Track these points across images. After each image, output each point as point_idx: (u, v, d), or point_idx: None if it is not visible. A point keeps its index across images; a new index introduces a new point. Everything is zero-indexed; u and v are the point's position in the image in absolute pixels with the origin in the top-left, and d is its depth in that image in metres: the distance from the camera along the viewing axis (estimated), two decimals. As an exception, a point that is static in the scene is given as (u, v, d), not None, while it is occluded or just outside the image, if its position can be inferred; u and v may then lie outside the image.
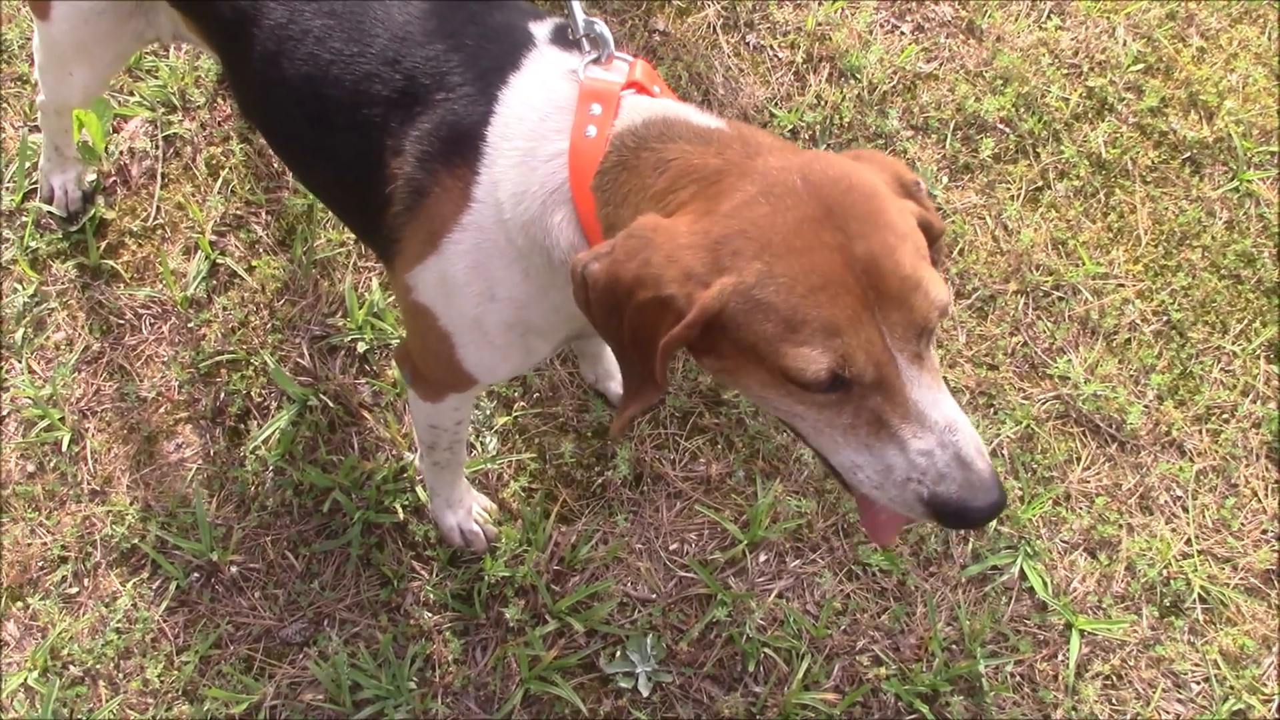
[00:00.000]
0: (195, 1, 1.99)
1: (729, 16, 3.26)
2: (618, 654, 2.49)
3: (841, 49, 3.21)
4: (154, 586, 2.51)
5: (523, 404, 2.71)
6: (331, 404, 2.67)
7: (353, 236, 2.84)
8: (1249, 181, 3.16)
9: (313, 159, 1.99)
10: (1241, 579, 2.69)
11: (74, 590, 2.51)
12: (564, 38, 1.78)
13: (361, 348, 2.72)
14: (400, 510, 2.57)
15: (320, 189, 2.15)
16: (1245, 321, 2.98)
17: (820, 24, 3.25)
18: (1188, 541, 2.71)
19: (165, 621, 2.48)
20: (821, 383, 1.38)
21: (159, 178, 2.92)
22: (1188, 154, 3.20)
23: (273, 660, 2.46)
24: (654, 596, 2.56)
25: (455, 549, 2.54)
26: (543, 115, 1.68)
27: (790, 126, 3.10)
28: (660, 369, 1.45)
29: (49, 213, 2.83)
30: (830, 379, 1.38)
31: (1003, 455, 2.75)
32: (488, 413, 2.69)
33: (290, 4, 1.86)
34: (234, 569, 2.53)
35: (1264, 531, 2.75)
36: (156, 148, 2.96)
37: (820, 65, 3.21)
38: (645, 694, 2.46)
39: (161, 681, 2.42)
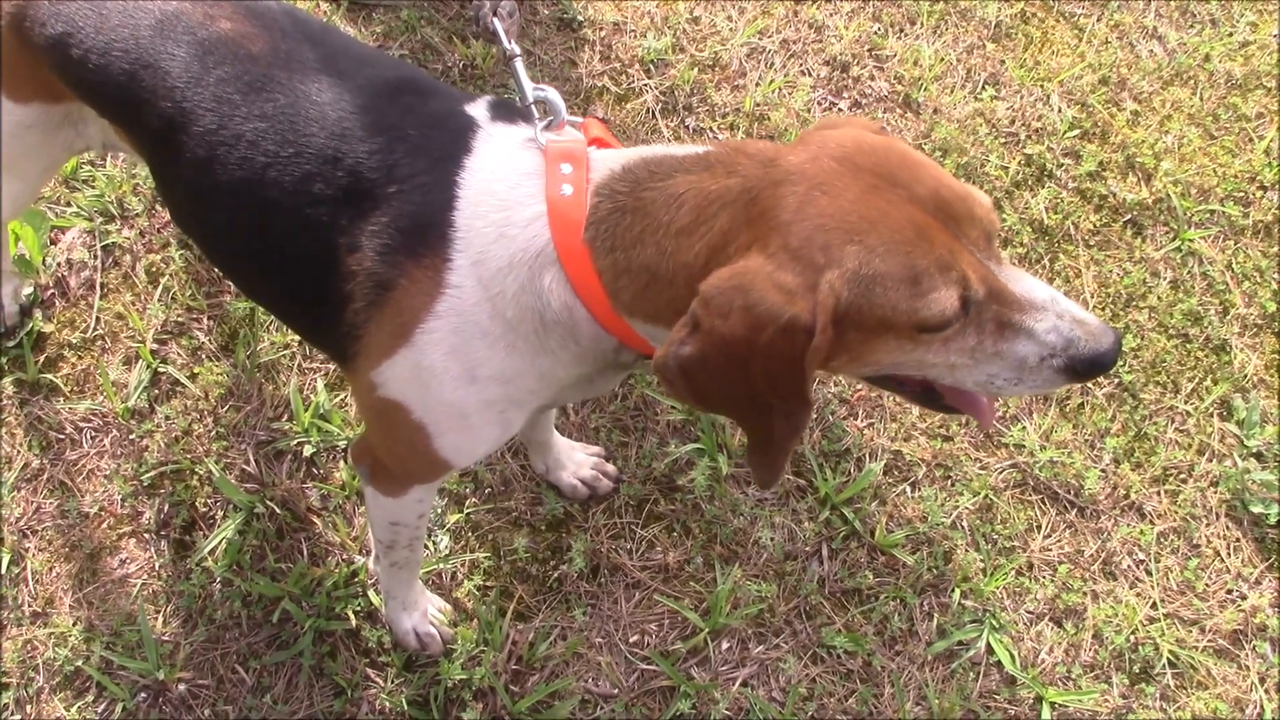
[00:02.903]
0: (121, 110, 1.97)
1: (667, 101, 3.28)
2: (581, 754, 2.43)
3: (780, 128, 3.23)
4: (99, 710, 2.43)
5: (474, 500, 2.67)
6: (279, 510, 2.61)
7: (297, 338, 2.81)
8: (1191, 240, 3.19)
9: (255, 265, 1.95)
10: (1210, 641, 2.66)
11: (16, 718, 2.43)
12: (503, 113, 1.78)
13: (308, 451, 2.68)
14: (352, 616, 2.51)
15: (265, 295, 2.11)
16: (1196, 380, 2.98)
17: (758, 104, 3.27)
18: (1153, 605, 2.68)
19: (112, 746, 2.40)
20: (957, 314, 1.45)
21: (98, 288, 2.89)
22: (1129, 216, 3.23)
23: (224, 780, 2.38)
24: (616, 692, 2.50)
25: (411, 653, 2.48)
26: (511, 185, 1.68)
27: (733, 207, 3.10)
28: (809, 388, 1.49)
29: (-15, 329, 2.79)
30: (962, 307, 1.45)
31: (962, 528, 2.72)
32: (439, 511, 2.64)
33: (219, 109, 1.83)
34: (182, 687, 2.45)
35: (1229, 591, 2.72)
36: (95, 258, 2.92)
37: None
38: (611, 794, 2.39)
39: (108, 809, 2.34)
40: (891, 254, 1.43)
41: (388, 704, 2.44)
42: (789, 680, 2.53)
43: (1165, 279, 3.13)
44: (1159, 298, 3.09)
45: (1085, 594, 2.68)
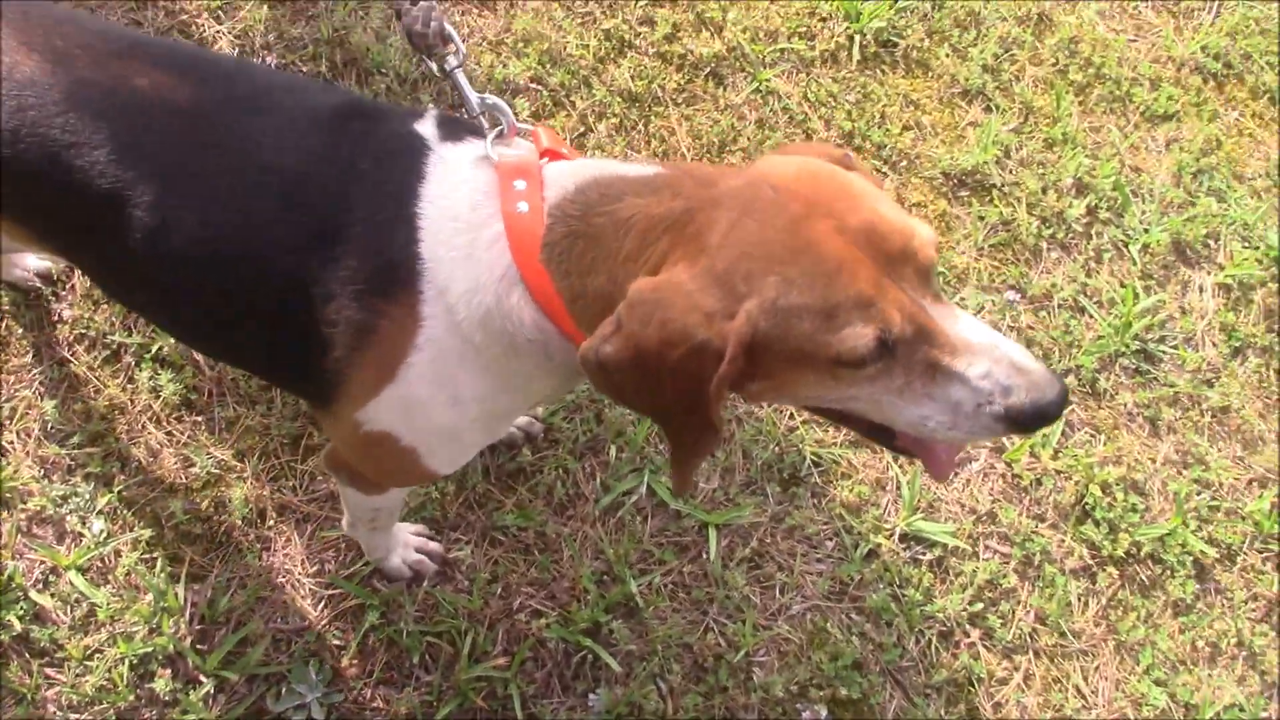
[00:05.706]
0: (41, 202, 1.79)
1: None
2: (284, 690, 2.46)
3: (363, 48, 3.24)
4: None
5: (123, 477, 2.62)
6: (-86, 538, 2.51)
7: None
8: (767, 81, 3.40)
9: (227, 326, 1.85)
10: (845, 436, 2.91)
11: None
12: (451, 130, 1.76)
13: (-68, 471, 2.57)
14: (16, 622, 2.44)
15: (238, 356, 2.05)
16: (793, 206, 3.21)
17: (336, 30, 3.27)
18: (791, 416, 2.91)
19: None
20: (872, 352, 1.42)
21: None
22: (708, 69, 3.41)
23: (-85, 818, 2.30)
24: (306, 623, 2.54)
25: (404, 582, 2.59)
26: (472, 205, 1.66)
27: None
28: (715, 412, 1.47)
29: None
30: (878, 346, 1.42)
31: (607, 388, 2.87)
32: (87, 498, 2.58)
33: (165, 173, 1.71)
34: None
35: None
36: None
37: (347, 69, 3.23)
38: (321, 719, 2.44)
39: None
40: (809, 286, 1.41)
41: (74, 698, 2.40)
42: (471, 568, 2.63)
43: (751, 120, 3.34)
44: (748, 139, 3.30)
45: (729, 420, 2.88)
